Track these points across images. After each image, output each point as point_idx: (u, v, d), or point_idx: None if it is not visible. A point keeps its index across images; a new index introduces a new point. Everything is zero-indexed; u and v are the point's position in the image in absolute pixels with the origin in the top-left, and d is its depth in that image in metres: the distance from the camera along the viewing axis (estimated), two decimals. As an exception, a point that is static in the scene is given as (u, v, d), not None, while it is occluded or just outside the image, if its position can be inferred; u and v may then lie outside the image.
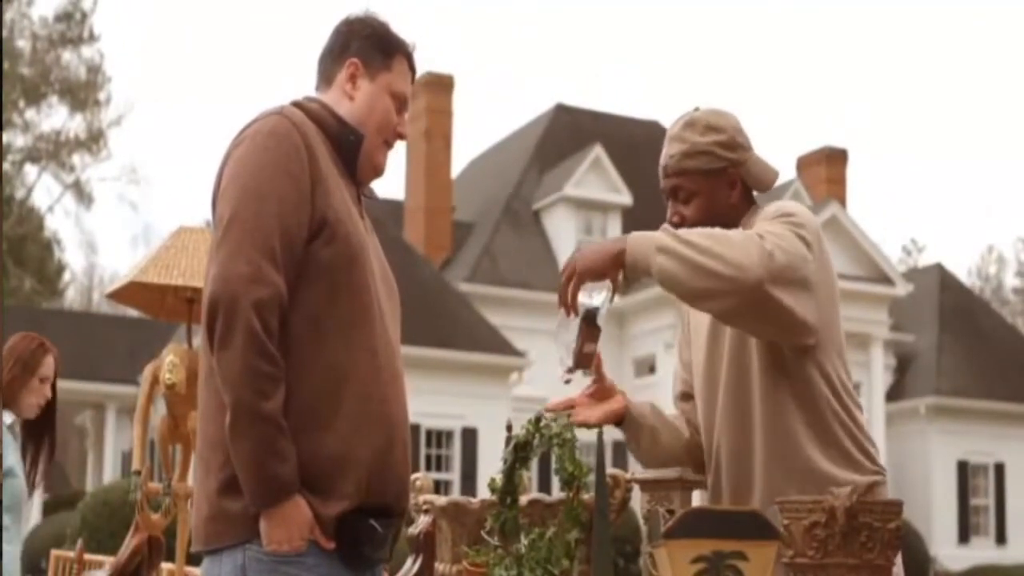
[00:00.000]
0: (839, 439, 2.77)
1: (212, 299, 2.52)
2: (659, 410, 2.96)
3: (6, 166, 39.54)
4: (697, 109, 2.94)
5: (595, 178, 28.21)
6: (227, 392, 2.49)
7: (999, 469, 28.45)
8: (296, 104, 2.78)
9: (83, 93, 41.84)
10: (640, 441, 2.91)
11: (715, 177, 2.87)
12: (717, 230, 2.62)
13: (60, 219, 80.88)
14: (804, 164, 31.14)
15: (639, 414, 2.89)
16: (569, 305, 2.62)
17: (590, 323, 2.64)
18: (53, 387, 4.77)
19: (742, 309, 2.58)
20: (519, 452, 2.63)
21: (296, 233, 2.59)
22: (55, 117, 51.68)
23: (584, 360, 2.67)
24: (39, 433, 4.80)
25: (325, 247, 2.61)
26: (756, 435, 2.78)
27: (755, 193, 2.97)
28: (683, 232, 2.60)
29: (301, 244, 2.59)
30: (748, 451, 2.80)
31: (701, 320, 2.92)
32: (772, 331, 2.68)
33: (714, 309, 2.64)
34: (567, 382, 2.70)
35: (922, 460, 27.71)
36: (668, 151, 2.90)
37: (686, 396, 3.03)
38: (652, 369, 25.98)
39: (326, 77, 2.85)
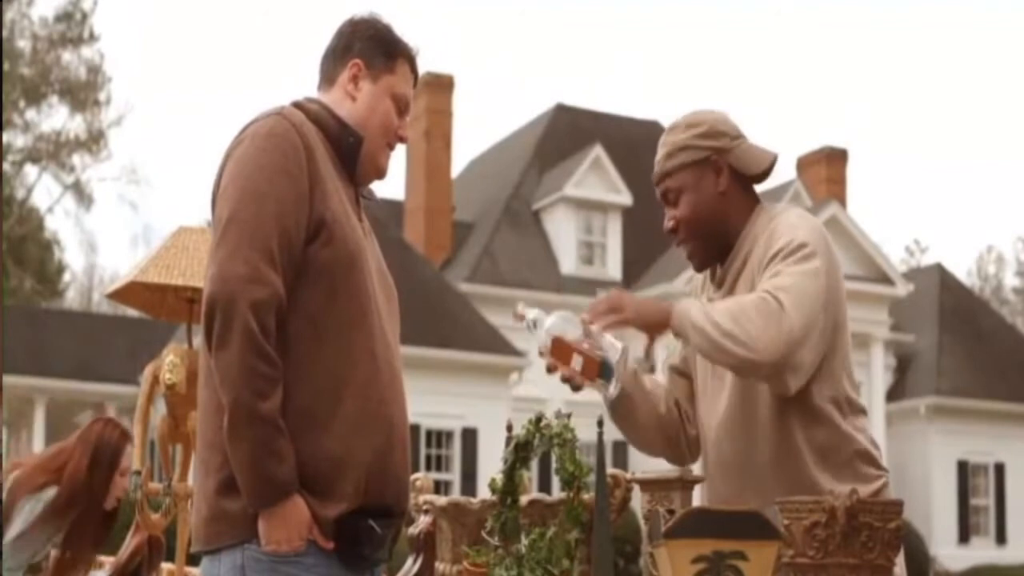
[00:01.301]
0: (844, 456, 2.76)
1: (210, 299, 2.52)
2: (639, 377, 2.97)
3: (6, 166, 39.55)
4: (683, 116, 2.93)
5: (595, 178, 28.19)
6: (224, 392, 2.49)
7: (999, 469, 28.44)
8: (296, 105, 2.77)
9: (83, 93, 41.78)
10: (619, 399, 2.91)
11: (698, 168, 2.84)
12: (743, 307, 2.62)
13: (60, 219, 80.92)
14: (804, 164, 31.12)
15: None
16: (594, 317, 2.68)
17: (592, 365, 2.67)
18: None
19: (766, 380, 2.68)
20: (519, 452, 2.63)
21: (294, 234, 2.58)
22: (55, 117, 51.56)
23: (559, 348, 2.67)
24: (105, 524, 4.63)
25: (323, 248, 2.61)
26: (759, 450, 2.77)
27: (759, 191, 2.94)
28: (715, 309, 2.64)
29: (299, 245, 2.59)
30: (749, 464, 2.79)
31: None
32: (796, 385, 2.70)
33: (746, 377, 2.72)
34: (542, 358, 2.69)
35: (922, 460, 27.70)
36: (656, 159, 2.91)
37: (678, 371, 3.03)
38: (652, 368, 25.99)
39: (328, 77, 2.85)
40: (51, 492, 4.46)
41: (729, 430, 2.82)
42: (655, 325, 2.70)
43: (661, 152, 2.89)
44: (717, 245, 2.87)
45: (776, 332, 2.57)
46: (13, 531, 4.39)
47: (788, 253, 2.70)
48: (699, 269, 2.96)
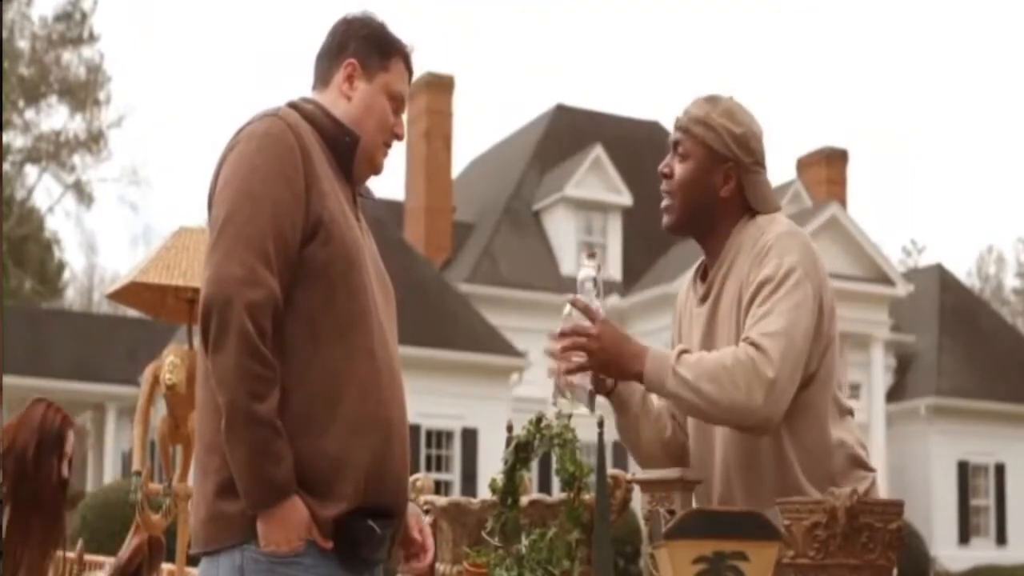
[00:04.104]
0: (836, 464, 2.75)
1: (206, 301, 2.51)
2: (647, 398, 2.96)
3: (6, 167, 39.55)
4: (731, 98, 2.92)
5: (595, 178, 28.19)
6: (221, 394, 2.48)
7: (999, 469, 28.44)
8: (291, 105, 2.76)
9: (83, 93, 41.80)
10: (625, 418, 2.93)
11: (715, 158, 2.84)
12: (722, 365, 2.61)
13: (60, 220, 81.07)
14: (804, 164, 31.11)
15: (628, 395, 2.91)
16: (560, 372, 2.71)
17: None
18: (69, 463, 4.34)
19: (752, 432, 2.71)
20: (520, 452, 2.63)
21: (290, 235, 2.58)
22: (55, 117, 51.65)
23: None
24: (46, 518, 4.43)
25: (322, 248, 2.60)
26: (749, 453, 2.76)
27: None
28: (689, 370, 2.63)
29: (295, 246, 2.59)
30: (739, 468, 2.78)
31: (693, 331, 2.92)
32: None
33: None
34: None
35: (922, 460, 27.70)
36: (686, 109, 2.90)
37: None
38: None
39: (323, 77, 2.83)
40: None
41: (725, 443, 2.81)
42: (622, 377, 2.75)
43: (695, 111, 2.87)
44: (696, 225, 2.89)
45: (762, 390, 2.59)
46: None
47: (778, 283, 2.69)
48: (670, 229, 2.94)
